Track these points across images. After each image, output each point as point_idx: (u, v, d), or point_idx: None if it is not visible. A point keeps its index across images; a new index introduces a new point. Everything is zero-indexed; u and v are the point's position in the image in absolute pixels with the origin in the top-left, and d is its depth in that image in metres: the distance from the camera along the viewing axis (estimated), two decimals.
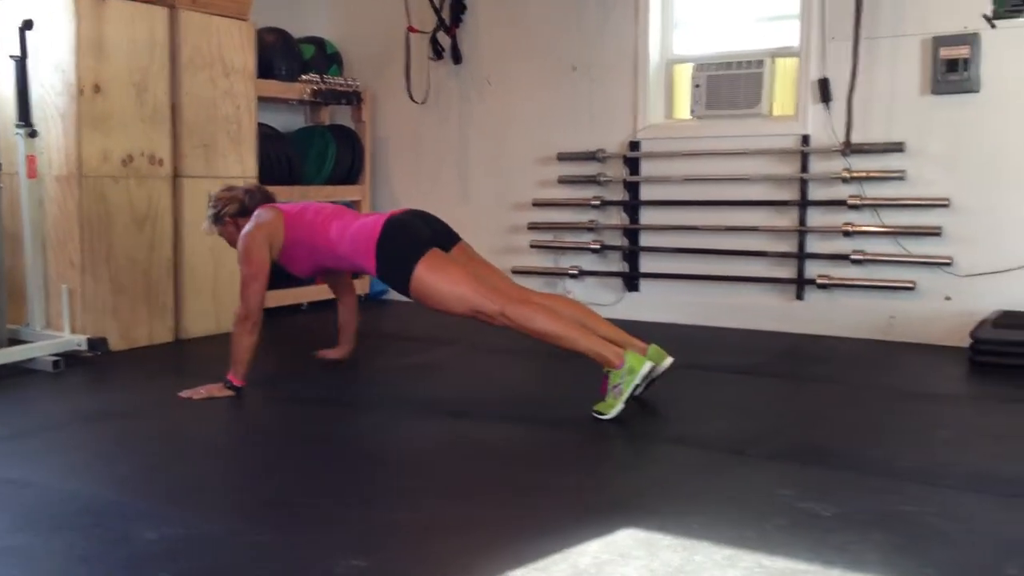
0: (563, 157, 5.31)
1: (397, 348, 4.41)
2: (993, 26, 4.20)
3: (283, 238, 3.43)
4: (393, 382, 3.78)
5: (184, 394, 3.34)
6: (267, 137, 5.24)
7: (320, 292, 5.58)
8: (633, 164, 5.12)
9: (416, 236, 3.14)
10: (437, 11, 5.56)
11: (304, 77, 5.47)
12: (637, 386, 3.00)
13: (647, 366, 2.97)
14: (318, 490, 2.45)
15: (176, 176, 4.51)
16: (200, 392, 3.34)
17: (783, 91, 4.84)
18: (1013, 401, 3.37)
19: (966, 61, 4.22)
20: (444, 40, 5.63)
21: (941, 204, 4.35)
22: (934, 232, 4.36)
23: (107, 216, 4.22)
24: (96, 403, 3.49)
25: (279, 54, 5.42)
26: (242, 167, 4.81)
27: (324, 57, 5.78)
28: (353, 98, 5.74)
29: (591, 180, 5.21)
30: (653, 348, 3.17)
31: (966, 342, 3.98)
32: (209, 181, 4.62)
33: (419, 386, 3.69)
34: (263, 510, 2.32)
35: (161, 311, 4.47)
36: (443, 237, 3.24)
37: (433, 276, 3.04)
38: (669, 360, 3.17)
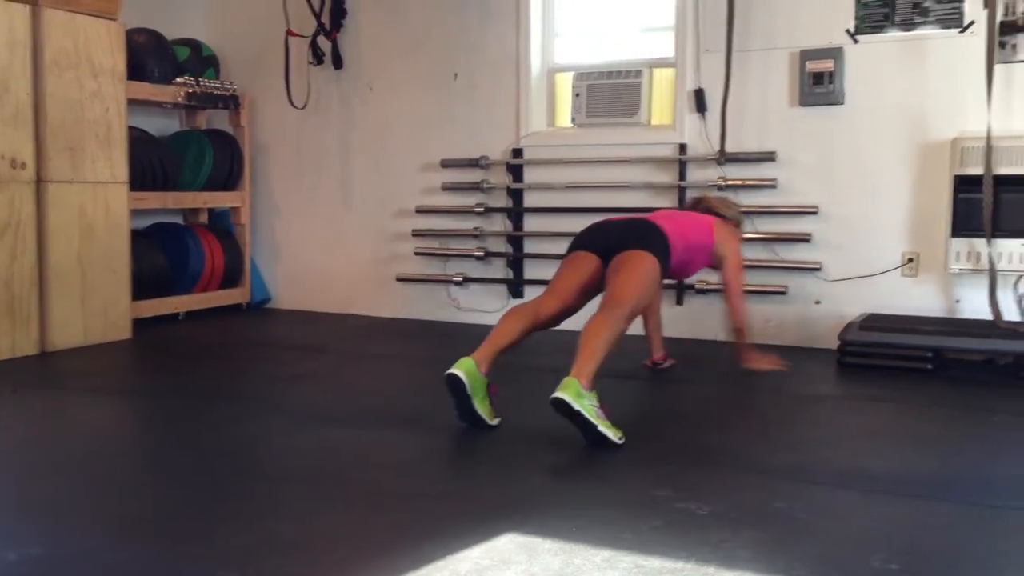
0: (446, 164, 5.30)
1: (275, 357, 4.32)
2: (856, 41, 4.39)
3: None
4: (269, 392, 3.69)
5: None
6: (140, 141, 5.06)
7: (198, 302, 5.42)
8: (516, 171, 5.15)
9: (579, 238, 3.57)
10: (317, 15, 5.48)
11: (178, 80, 5.31)
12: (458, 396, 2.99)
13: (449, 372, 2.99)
14: (189, 504, 2.37)
15: (40, 181, 4.31)
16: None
17: (661, 101, 4.95)
18: (877, 400, 3.52)
19: (831, 74, 4.40)
20: (324, 45, 5.56)
21: (810, 212, 4.52)
22: (804, 239, 4.53)
23: None
24: None
25: (151, 55, 5.24)
26: (112, 171, 4.63)
27: (199, 59, 5.62)
28: (231, 102, 5.61)
29: (475, 187, 5.22)
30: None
31: (835, 344, 4.15)
32: (77, 186, 4.44)
33: (295, 396, 3.62)
34: (131, 526, 2.23)
35: (25, 322, 4.25)
36: (614, 242, 3.49)
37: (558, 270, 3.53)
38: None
